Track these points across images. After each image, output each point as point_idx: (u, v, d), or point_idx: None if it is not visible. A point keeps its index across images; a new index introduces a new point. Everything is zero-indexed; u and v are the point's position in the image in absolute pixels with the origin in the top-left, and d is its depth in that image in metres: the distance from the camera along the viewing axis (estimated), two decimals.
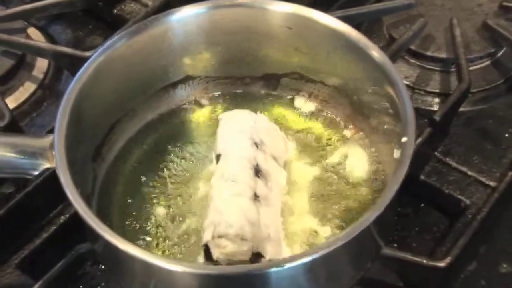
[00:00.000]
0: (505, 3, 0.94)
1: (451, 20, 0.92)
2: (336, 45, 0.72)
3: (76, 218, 0.79)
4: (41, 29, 1.03)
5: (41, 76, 0.96)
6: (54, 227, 0.79)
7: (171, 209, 0.72)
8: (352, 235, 0.56)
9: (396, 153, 0.67)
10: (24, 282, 0.74)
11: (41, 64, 0.97)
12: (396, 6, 0.92)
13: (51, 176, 0.79)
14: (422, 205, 0.82)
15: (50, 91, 0.96)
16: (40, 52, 0.92)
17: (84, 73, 0.69)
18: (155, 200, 0.73)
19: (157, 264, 0.55)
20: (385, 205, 0.58)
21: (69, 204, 0.80)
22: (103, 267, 0.78)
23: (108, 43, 0.71)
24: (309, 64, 0.77)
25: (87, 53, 0.88)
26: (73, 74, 0.91)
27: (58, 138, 0.62)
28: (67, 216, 0.80)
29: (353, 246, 0.59)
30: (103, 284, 0.77)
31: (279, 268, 0.55)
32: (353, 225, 0.57)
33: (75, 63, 0.89)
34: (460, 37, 0.89)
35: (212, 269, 0.58)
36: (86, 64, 0.69)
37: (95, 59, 0.70)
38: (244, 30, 0.76)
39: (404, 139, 0.62)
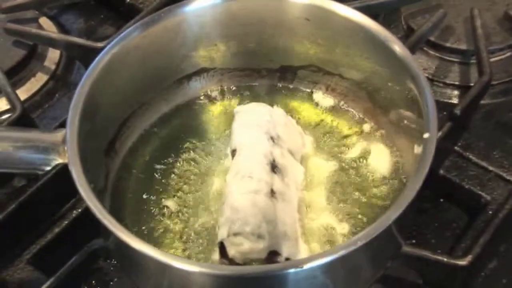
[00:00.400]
0: None
1: (471, 10, 0.90)
2: (355, 38, 0.70)
3: (88, 213, 0.78)
4: (52, 18, 1.01)
5: (53, 67, 0.95)
6: (66, 222, 0.78)
7: (185, 205, 0.71)
8: (372, 235, 0.54)
9: (417, 149, 0.65)
10: (36, 278, 0.74)
11: (53, 55, 0.96)
12: None
13: (63, 171, 0.78)
14: (441, 200, 0.81)
15: (62, 82, 0.94)
16: (52, 42, 0.91)
17: (97, 65, 0.67)
18: (169, 196, 0.72)
19: (171, 264, 0.54)
20: (407, 204, 0.56)
21: (81, 199, 0.80)
22: (115, 262, 0.77)
23: (122, 34, 0.69)
24: (326, 57, 0.75)
25: (99, 44, 0.87)
26: (85, 65, 0.91)
27: (70, 132, 0.61)
28: (79, 210, 0.79)
29: (373, 245, 0.57)
30: (115, 279, 0.76)
31: (298, 269, 0.53)
32: (374, 224, 0.56)
33: (87, 54, 0.87)
34: (481, 29, 0.87)
35: (229, 270, 0.56)
36: (99, 56, 0.67)
37: (109, 50, 0.68)
38: (260, 21, 0.74)
39: (426, 135, 0.61)
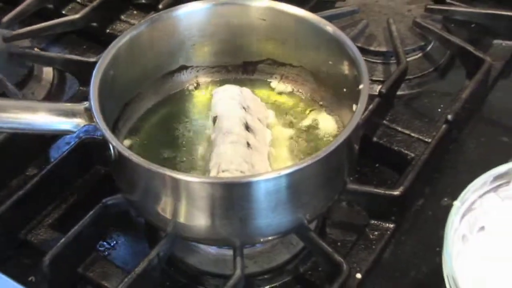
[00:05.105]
0: (429, 6, 1.16)
1: (388, 20, 1.13)
2: (301, 29, 0.90)
3: (96, 187, 0.96)
4: (43, 50, 1.19)
5: (48, 86, 1.13)
6: (77, 196, 0.95)
7: (177, 168, 0.88)
8: (331, 148, 0.74)
9: (355, 107, 0.85)
10: (56, 237, 0.89)
11: (47, 76, 1.14)
12: (344, 12, 1.14)
13: (71, 157, 0.96)
14: (377, 165, 1.01)
15: (56, 98, 1.12)
16: (51, 61, 1.09)
17: (107, 54, 0.84)
18: (164, 163, 0.88)
19: (188, 179, 0.73)
20: (355, 125, 0.75)
21: (87, 178, 0.97)
22: (117, 228, 0.94)
23: (125, 32, 0.88)
24: (279, 50, 0.94)
25: (92, 59, 1.06)
26: (80, 79, 1.10)
27: (93, 104, 0.79)
28: (86, 187, 0.96)
29: (328, 166, 0.76)
30: (120, 242, 0.93)
31: (275, 175, 0.72)
32: (330, 144, 0.75)
33: (82, 69, 1.06)
34: (396, 32, 1.10)
35: (221, 179, 0.77)
36: (108, 48, 0.85)
37: (115, 44, 0.85)
38: (226, 25, 0.93)
39: (360, 86, 0.81)
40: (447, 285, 0.70)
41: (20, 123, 0.79)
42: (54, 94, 1.12)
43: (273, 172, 0.74)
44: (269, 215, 0.76)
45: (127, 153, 0.74)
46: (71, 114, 0.80)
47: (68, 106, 0.80)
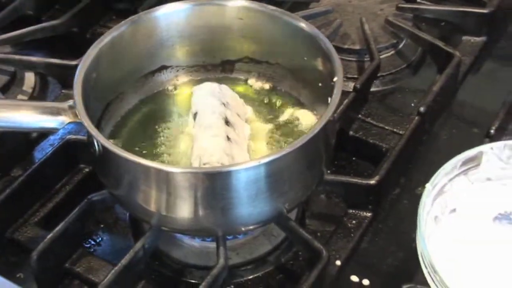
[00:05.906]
0: (400, 5, 1.20)
1: (361, 19, 1.17)
2: (276, 27, 0.93)
3: (77, 186, 0.99)
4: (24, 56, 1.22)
5: (30, 90, 1.15)
6: (62, 194, 0.97)
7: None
8: (306, 139, 0.77)
9: (330, 100, 0.88)
10: (44, 235, 0.90)
11: (29, 81, 1.16)
12: (318, 12, 1.18)
13: (56, 157, 0.98)
14: (354, 158, 1.04)
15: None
16: (33, 65, 1.11)
17: (88, 56, 0.87)
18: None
19: (173, 171, 0.76)
20: (330, 114, 0.78)
21: (71, 177, 1.00)
22: (102, 226, 0.97)
23: (106, 33, 0.91)
24: (256, 49, 0.97)
25: (73, 62, 1.08)
26: (62, 82, 1.12)
27: (78, 100, 0.81)
28: (71, 186, 0.99)
29: (305, 155, 0.79)
30: (104, 238, 0.96)
31: (255, 164, 0.75)
32: (308, 133, 0.78)
33: (63, 72, 1.09)
34: (369, 30, 1.14)
35: (207, 168, 0.79)
36: (89, 49, 0.88)
37: (96, 45, 0.88)
38: (205, 25, 0.95)
39: (335, 79, 0.84)
40: (421, 263, 0.73)
41: (5, 121, 0.82)
42: (36, 99, 1.14)
43: (253, 161, 0.77)
44: (249, 204, 0.79)
45: (111, 146, 0.77)
46: (56, 112, 0.82)
47: (53, 104, 0.83)
